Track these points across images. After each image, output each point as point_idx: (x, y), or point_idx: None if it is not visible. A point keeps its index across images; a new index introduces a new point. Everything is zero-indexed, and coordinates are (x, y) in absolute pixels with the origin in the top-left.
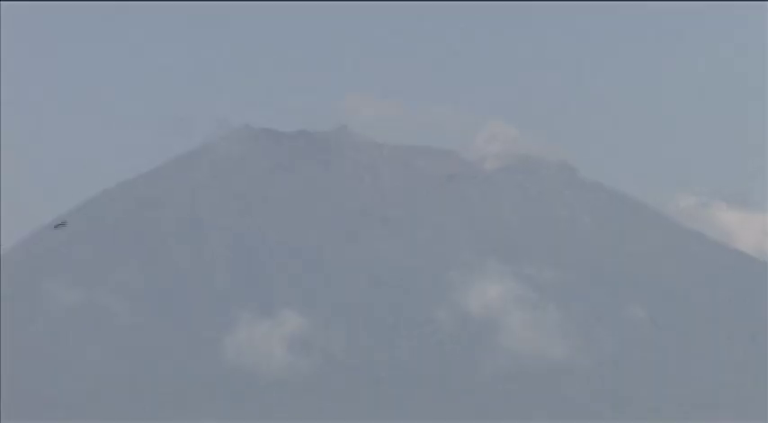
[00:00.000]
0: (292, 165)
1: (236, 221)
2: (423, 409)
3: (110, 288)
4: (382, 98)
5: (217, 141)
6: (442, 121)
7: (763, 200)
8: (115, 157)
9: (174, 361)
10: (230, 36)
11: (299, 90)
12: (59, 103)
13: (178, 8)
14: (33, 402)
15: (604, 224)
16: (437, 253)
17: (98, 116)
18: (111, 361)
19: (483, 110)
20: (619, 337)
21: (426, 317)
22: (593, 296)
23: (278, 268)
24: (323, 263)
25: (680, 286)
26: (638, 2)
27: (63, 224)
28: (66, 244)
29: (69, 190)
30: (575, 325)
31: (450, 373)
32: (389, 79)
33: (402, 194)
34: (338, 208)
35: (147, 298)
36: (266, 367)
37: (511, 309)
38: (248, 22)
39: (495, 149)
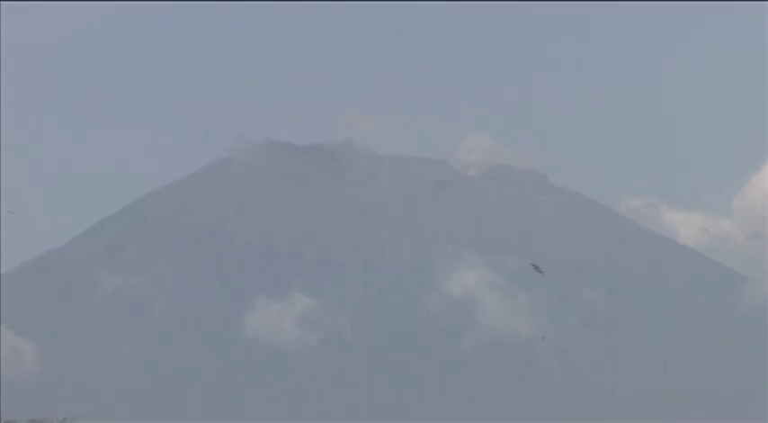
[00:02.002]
0: (306, 173)
1: (256, 221)
2: (413, 375)
3: (148, 276)
4: (377, 113)
5: (240, 153)
6: (429, 134)
7: (699, 202)
8: (148, 165)
9: (202, 336)
10: (241, 57)
11: (303, 104)
12: (94, 119)
13: (200, 37)
14: (86, 363)
15: (569, 222)
16: (428, 247)
17: (136, 130)
18: (147, 335)
19: (464, 124)
20: (578, 316)
21: (417, 299)
22: (557, 282)
23: (291, 259)
24: (331, 255)
25: (631, 274)
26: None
27: None
28: (111, 240)
29: (109, 195)
30: (540, 306)
31: (437, 344)
32: (384, 94)
33: (400, 198)
34: (345, 210)
35: (179, 284)
36: (279, 341)
37: (487, 293)
38: (256, 45)
39: (477, 159)
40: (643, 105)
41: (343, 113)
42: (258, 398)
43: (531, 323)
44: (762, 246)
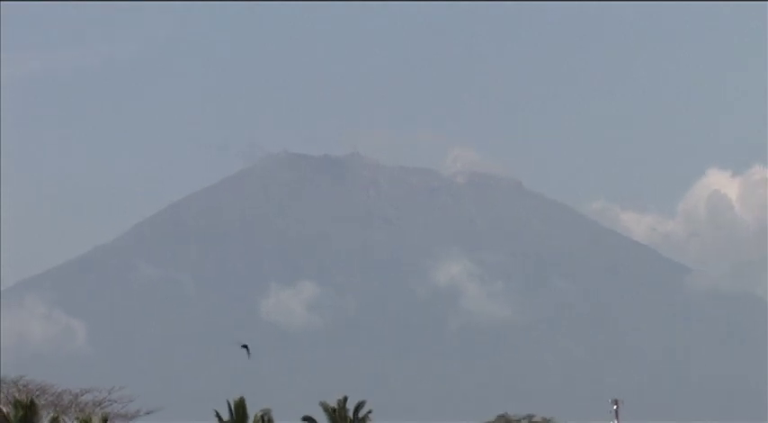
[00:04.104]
0: (317, 179)
1: (274, 220)
2: (406, 351)
3: (181, 268)
4: (379, 129)
5: (261, 162)
6: (423, 147)
7: (649, 205)
8: (183, 174)
9: (224, 317)
10: (264, 82)
11: (316, 121)
12: (136, 136)
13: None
14: (128, 340)
15: (540, 222)
16: (420, 243)
17: (173, 144)
18: (179, 316)
19: (451, 138)
20: (547, 302)
21: (410, 287)
22: (529, 273)
23: (303, 253)
24: (336, 249)
25: (592, 265)
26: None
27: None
28: (150, 237)
29: (149, 199)
30: (515, 294)
31: (426, 326)
32: (384, 113)
33: (397, 201)
34: (350, 211)
35: (205, 274)
36: (289, 322)
37: (469, 282)
38: (275, 71)
39: (462, 168)
40: (604, 124)
41: (349, 129)
42: (271, 371)
43: (506, 308)
44: (701, 242)
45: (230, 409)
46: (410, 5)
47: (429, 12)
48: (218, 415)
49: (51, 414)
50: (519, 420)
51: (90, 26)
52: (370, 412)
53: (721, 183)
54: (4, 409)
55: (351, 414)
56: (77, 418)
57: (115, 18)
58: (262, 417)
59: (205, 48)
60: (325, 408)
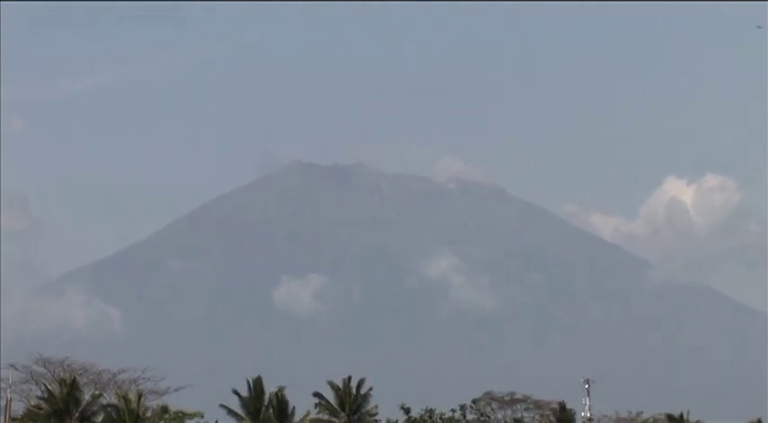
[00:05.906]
0: (326, 186)
1: (289, 222)
2: (402, 336)
3: (205, 262)
4: (380, 141)
5: (277, 170)
6: (420, 157)
7: (615, 208)
8: (208, 181)
9: (242, 306)
10: (280, 99)
11: (325, 133)
12: (170, 148)
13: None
14: (159, 325)
15: (521, 223)
16: (416, 242)
17: (200, 155)
18: (202, 304)
19: (443, 149)
20: (526, 294)
21: (405, 279)
22: (510, 268)
23: (311, 250)
24: (342, 247)
25: (566, 261)
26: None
27: None
28: (178, 233)
29: (178, 203)
30: (498, 286)
31: (419, 314)
32: (385, 127)
33: (397, 206)
34: (355, 214)
35: (225, 266)
36: (299, 310)
37: (458, 276)
38: (290, 90)
39: (453, 176)
40: (576, 137)
41: (355, 141)
42: (281, 352)
43: (490, 298)
44: (660, 241)
45: (249, 387)
46: (408, 27)
47: (426, 40)
48: (236, 392)
49: (93, 391)
50: (502, 397)
51: (121, 47)
52: (371, 389)
53: (678, 190)
54: (50, 387)
55: (354, 391)
56: (116, 394)
57: (138, 39)
58: (276, 393)
59: (232, 73)
60: (332, 385)
